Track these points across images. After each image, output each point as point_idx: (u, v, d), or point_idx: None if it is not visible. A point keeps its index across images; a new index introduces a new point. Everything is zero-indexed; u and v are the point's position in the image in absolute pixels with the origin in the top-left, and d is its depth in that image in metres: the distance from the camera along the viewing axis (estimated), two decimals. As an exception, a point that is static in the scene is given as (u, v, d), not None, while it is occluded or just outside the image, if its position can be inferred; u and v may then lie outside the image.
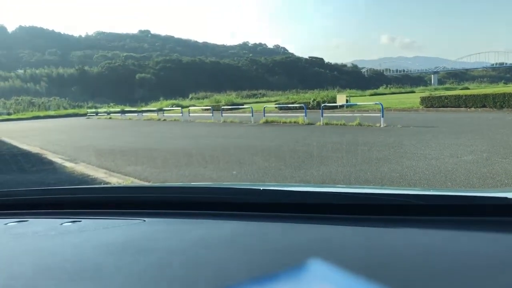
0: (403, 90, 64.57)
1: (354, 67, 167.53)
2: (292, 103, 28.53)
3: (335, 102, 25.78)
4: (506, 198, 0.86)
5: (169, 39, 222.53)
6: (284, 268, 0.66)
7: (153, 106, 49.55)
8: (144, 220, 1.05)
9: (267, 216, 1.00)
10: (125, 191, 1.46)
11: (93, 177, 7.04)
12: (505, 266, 0.66)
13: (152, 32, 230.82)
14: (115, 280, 0.67)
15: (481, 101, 19.31)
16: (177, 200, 1.18)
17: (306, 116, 17.36)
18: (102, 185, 5.87)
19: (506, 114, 16.09)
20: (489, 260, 0.68)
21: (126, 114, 39.37)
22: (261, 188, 1.09)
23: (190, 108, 34.77)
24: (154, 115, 32.77)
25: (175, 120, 26.48)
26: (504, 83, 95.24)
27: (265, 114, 19.90)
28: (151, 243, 0.85)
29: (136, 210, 1.16)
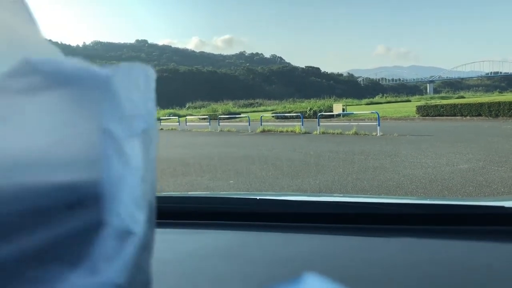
0: (399, 99, 65.03)
1: (350, 76, 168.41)
2: (289, 112, 28.63)
3: (332, 111, 25.85)
4: (503, 207, 0.87)
5: (166, 48, 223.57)
6: (282, 280, 0.66)
7: (150, 115, 49.39)
8: None
9: (264, 226, 0.99)
10: None
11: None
12: (503, 276, 0.65)
13: (150, 41, 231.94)
14: None
15: (477, 110, 19.42)
16: (173, 210, 1.18)
17: (303, 125, 17.39)
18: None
19: (501, 123, 16.17)
20: (486, 270, 0.68)
21: (122, 124, 39.20)
22: (258, 198, 1.08)
23: (187, 117, 34.80)
24: (150, 124, 32.62)
25: (172, 129, 26.47)
26: (499, 92, 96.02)
27: (262, 123, 19.93)
28: None
29: None
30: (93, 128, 0.26)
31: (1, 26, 0.29)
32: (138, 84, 0.29)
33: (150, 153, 0.30)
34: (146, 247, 0.29)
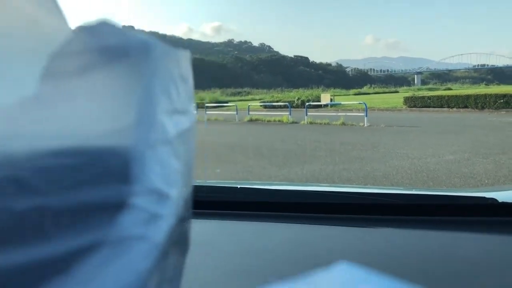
0: (386, 90, 65.60)
1: (339, 66, 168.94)
2: (277, 101, 28.60)
3: (320, 101, 25.91)
4: (483, 197, 0.88)
5: (153, 35, 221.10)
6: (256, 270, 0.64)
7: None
8: None
9: (244, 215, 0.97)
10: None
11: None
12: (484, 265, 0.66)
13: (136, 27, 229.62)
14: None
15: (463, 102, 19.61)
16: None
17: (290, 114, 17.39)
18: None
19: (487, 115, 16.38)
20: (468, 259, 0.68)
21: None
22: (239, 186, 1.06)
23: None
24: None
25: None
26: (485, 84, 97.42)
27: (250, 112, 19.88)
28: None
29: None
30: (132, 97, 0.24)
31: (29, 20, 0.26)
32: (179, 65, 0.27)
33: (188, 135, 0.27)
34: (176, 238, 0.24)
